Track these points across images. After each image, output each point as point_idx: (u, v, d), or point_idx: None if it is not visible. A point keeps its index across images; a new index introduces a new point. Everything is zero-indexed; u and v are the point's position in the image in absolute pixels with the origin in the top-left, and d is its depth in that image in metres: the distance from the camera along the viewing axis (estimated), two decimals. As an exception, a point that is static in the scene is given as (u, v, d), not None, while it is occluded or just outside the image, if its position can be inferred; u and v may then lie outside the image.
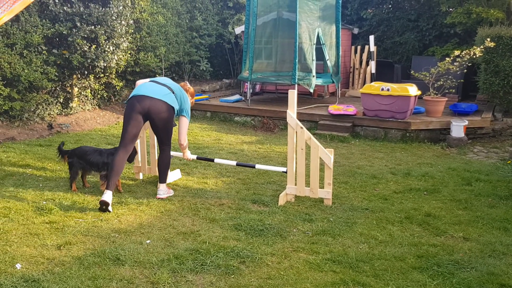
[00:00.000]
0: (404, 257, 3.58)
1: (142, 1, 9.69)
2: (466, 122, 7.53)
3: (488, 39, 7.93)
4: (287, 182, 4.79)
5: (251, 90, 9.59)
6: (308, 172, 4.71)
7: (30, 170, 5.56)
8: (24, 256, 3.41)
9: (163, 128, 4.71)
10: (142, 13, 9.73)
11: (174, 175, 5.39)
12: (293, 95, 4.57)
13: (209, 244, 3.69)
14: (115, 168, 4.50)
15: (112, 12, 8.15)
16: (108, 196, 4.34)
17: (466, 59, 8.06)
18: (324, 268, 3.39)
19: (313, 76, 8.77)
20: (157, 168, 5.00)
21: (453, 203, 4.83)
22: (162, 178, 4.85)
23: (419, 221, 4.30)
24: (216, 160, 5.33)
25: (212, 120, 9.38)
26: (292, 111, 4.59)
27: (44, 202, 4.49)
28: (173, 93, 4.72)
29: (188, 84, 5.08)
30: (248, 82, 9.27)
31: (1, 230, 3.83)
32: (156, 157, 5.34)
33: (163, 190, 4.81)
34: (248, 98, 9.35)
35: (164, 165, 4.85)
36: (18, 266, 3.27)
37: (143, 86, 4.69)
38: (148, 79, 4.89)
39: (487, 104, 9.06)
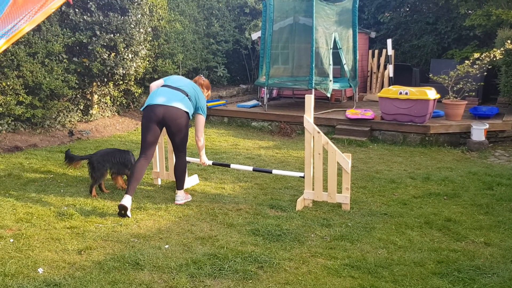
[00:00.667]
0: (423, 262, 3.54)
1: (160, 9, 9.82)
2: (487, 126, 7.41)
3: (509, 41, 7.81)
4: (304, 187, 4.79)
5: (268, 95, 9.61)
6: (325, 177, 4.70)
7: (51, 176, 5.67)
8: (46, 261, 3.48)
9: (179, 134, 4.70)
10: (160, 20, 9.86)
11: (191, 181, 5.43)
12: (309, 99, 4.57)
13: (227, 249, 3.70)
14: (136, 174, 4.55)
15: (131, 20, 8.27)
16: (127, 200, 4.40)
17: (486, 61, 7.95)
18: (343, 273, 3.37)
19: (330, 80, 8.74)
20: (174, 175, 5.01)
21: (474, 207, 4.75)
22: (179, 184, 4.87)
23: (439, 226, 4.25)
24: (232, 166, 5.35)
25: (229, 125, 9.43)
26: (309, 116, 4.58)
27: (65, 208, 4.57)
28: (188, 96, 4.71)
29: (202, 77, 5.06)
30: (265, 87, 9.29)
31: (24, 235, 3.91)
32: (174, 162, 5.39)
33: (180, 196, 4.84)
34: (265, 103, 9.37)
35: (180, 171, 4.87)
36: (40, 270, 3.33)
37: (157, 94, 4.67)
38: (162, 80, 4.88)
39: (508, 107, 8.90)
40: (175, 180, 4.95)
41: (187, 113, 4.68)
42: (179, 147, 4.81)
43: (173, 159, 5.39)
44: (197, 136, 4.87)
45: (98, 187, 5.11)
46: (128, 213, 4.37)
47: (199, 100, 4.81)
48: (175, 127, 4.64)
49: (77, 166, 5.36)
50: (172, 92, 4.68)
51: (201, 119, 4.85)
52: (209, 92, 5.14)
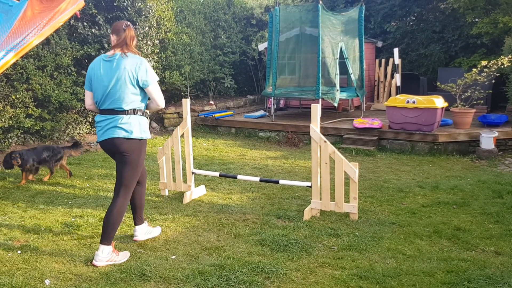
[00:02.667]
0: (433, 272, 3.49)
1: (167, 22, 9.92)
2: (496, 134, 7.34)
3: (517, 49, 7.76)
4: (311, 196, 4.76)
5: (275, 106, 9.63)
6: (333, 186, 4.67)
7: (60, 188, 5.70)
8: (53, 272, 3.48)
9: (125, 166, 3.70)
10: (167, 33, 9.96)
11: (199, 191, 5.44)
12: (316, 109, 4.56)
13: (234, 259, 3.68)
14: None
15: (139, 33, 8.36)
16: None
17: (494, 69, 7.90)
18: (350, 283, 3.33)
19: (337, 90, 8.74)
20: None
21: (484, 216, 4.69)
22: (105, 237, 3.63)
23: (448, 235, 4.19)
24: (239, 177, 5.34)
25: (237, 136, 9.44)
26: (315, 125, 4.58)
27: (73, 219, 4.59)
28: (126, 112, 3.60)
29: (127, 24, 3.67)
30: (272, 97, 9.31)
31: (32, 246, 3.93)
32: (181, 173, 5.40)
33: (101, 256, 3.62)
34: (272, 114, 9.38)
35: (113, 219, 3.63)
36: (47, 282, 3.34)
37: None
38: (89, 96, 3.77)
39: (517, 114, 8.82)
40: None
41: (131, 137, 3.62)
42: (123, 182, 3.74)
43: (179, 170, 5.41)
44: (159, 106, 3.76)
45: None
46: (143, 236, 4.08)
47: (140, 78, 3.58)
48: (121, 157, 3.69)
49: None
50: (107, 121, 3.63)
51: (152, 88, 3.64)
52: (136, 40, 3.79)
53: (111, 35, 3.73)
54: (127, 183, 3.71)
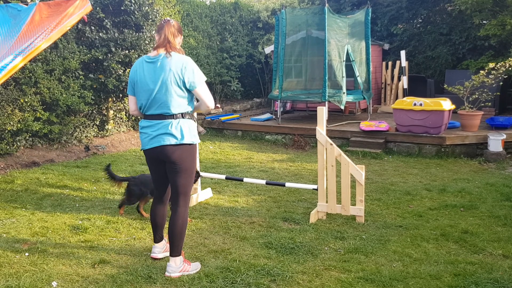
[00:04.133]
0: (440, 275, 3.47)
1: (174, 25, 9.97)
2: (504, 136, 7.29)
3: (525, 50, 7.71)
4: (318, 199, 4.75)
5: (281, 109, 9.64)
6: (339, 189, 4.66)
7: (67, 190, 5.74)
8: (60, 274, 3.50)
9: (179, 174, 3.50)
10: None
11: (205, 194, 5.45)
12: (322, 111, 4.56)
13: (240, 262, 3.68)
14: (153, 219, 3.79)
15: (145, 36, 8.41)
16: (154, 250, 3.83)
17: (501, 71, 7.85)
18: (356, 286, 3.32)
19: (344, 93, 8.73)
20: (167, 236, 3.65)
21: (492, 219, 4.65)
22: (174, 249, 3.53)
23: (455, 238, 4.17)
24: (246, 180, 5.35)
25: (243, 139, 9.45)
26: (321, 128, 4.57)
27: (80, 222, 4.61)
28: (174, 116, 3.40)
29: (171, 21, 3.46)
30: (279, 100, 9.32)
31: (39, 249, 3.95)
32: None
33: (174, 267, 3.51)
34: (278, 117, 9.38)
35: (178, 230, 3.49)
36: (54, 284, 3.36)
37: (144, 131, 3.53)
38: (134, 101, 3.55)
39: (526, 117, 8.75)
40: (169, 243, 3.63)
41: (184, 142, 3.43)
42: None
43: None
44: (209, 107, 3.52)
45: (136, 209, 4.89)
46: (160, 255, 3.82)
47: (186, 80, 3.36)
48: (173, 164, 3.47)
49: (119, 186, 5.02)
50: (155, 127, 3.43)
51: (200, 89, 3.42)
52: (181, 36, 3.54)
53: (155, 35, 3.49)
54: (184, 191, 3.49)
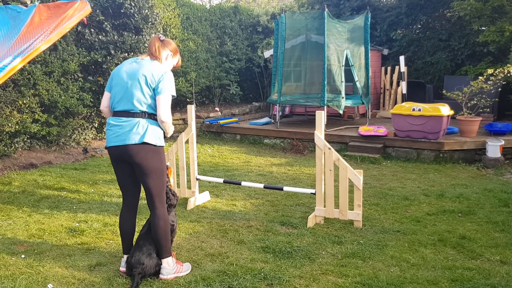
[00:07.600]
0: (437, 281, 3.46)
1: (173, 29, 9.99)
2: (503, 142, 7.30)
3: (523, 57, 7.73)
4: (316, 204, 4.75)
5: (280, 113, 9.64)
6: (337, 193, 4.66)
7: (64, 193, 5.72)
8: (56, 277, 3.49)
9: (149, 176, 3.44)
10: (174, 39, 10.01)
11: (203, 197, 5.44)
12: (320, 116, 4.56)
13: (237, 266, 3.67)
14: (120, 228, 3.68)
15: (145, 39, 8.42)
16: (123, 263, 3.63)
17: (500, 77, 7.87)
18: (354, 291, 3.31)
19: (343, 97, 8.74)
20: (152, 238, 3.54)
21: (490, 225, 4.65)
22: (164, 250, 3.51)
23: (453, 244, 4.16)
24: (244, 183, 5.34)
25: (241, 142, 9.45)
26: (319, 132, 4.57)
27: (77, 224, 4.60)
28: (142, 114, 3.39)
29: (161, 36, 3.61)
30: (277, 104, 9.32)
31: (36, 251, 3.94)
32: (185, 179, 5.41)
33: (168, 268, 3.51)
34: (277, 121, 9.39)
35: (162, 231, 3.47)
36: (50, 286, 3.34)
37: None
38: (107, 97, 3.54)
39: (524, 123, 8.76)
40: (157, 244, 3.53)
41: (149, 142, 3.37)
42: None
43: (184, 176, 5.41)
44: (160, 117, 3.38)
45: None
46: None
47: (159, 84, 3.38)
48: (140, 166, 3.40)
49: None
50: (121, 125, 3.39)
51: (163, 98, 3.37)
52: (178, 57, 3.71)
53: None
54: (158, 192, 3.45)
